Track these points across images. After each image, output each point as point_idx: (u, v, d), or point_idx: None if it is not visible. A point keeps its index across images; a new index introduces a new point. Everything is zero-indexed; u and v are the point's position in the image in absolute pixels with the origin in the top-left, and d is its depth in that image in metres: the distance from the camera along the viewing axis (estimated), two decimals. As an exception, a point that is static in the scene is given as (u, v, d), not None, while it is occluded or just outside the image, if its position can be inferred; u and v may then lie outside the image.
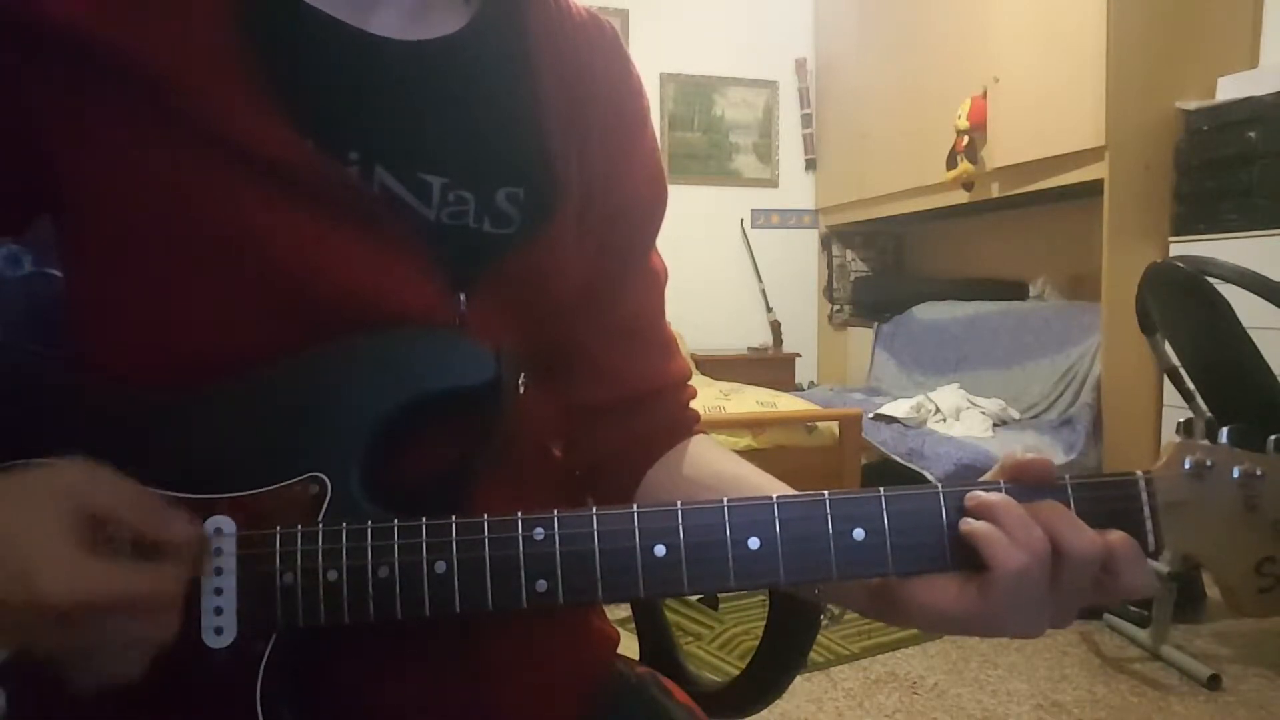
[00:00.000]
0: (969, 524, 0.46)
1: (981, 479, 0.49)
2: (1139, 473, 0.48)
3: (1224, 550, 0.48)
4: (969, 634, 0.49)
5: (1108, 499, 0.48)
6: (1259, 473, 0.47)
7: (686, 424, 0.69)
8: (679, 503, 0.48)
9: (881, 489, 0.48)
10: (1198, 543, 0.48)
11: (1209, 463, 0.47)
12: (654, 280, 0.70)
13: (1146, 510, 0.47)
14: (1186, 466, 0.48)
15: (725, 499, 0.48)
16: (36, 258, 0.69)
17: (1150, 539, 0.47)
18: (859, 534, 0.47)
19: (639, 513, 0.48)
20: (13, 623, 0.40)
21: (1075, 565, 0.45)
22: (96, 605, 0.40)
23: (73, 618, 0.40)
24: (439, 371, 0.52)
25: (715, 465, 0.66)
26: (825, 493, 0.48)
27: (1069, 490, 0.48)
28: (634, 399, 0.67)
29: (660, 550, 0.47)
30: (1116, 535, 0.45)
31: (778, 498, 0.48)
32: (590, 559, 0.48)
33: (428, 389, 0.52)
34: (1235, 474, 0.47)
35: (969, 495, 0.47)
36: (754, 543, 0.47)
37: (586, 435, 0.69)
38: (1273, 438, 0.47)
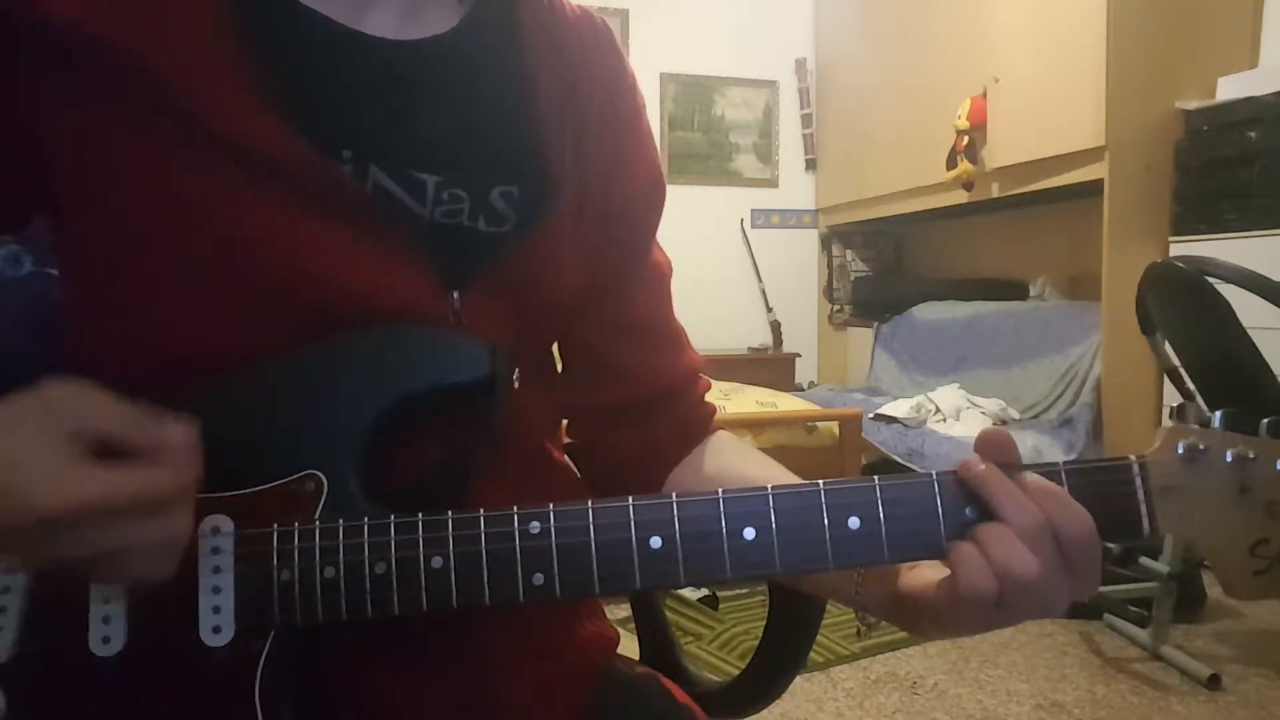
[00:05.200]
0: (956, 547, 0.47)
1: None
2: (1132, 457, 0.48)
3: (1218, 533, 0.48)
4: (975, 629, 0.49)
5: (1101, 483, 0.48)
6: (1252, 455, 0.47)
7: (702, 422, 0.69)
8: (674, 494, 0.49)
9: (876, 477, 0.48)
10: (1192, 526, 0.48)
11: (1202, 446, 0.47)
12: (658, 275, 0.70)
13: (1140, 494, 0.47)
14: (1180, 450, 0.48)
15: (720, 490, 0.48)
16: (36, 258, 0.69)
17: (1145, 523, 0.47)
18: (854, 523, 0.48)
19: (634, 505, 0.48)
20: (21, 539, 0.41)
21: (1071, 540, 0.45)
22: (93, 508, 0.41)
23: (74, 524, 0.41)
24: (433, 368, 0.52)
25: (743, 469, 0.66)
26: (820, 482, 0.48)
27: (1063, 475, 0.48)
28: (647, 398, 0.67)
29: (656, 542, 0.48)
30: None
31: (773, 488, 0.48)
32: (586, 552, 0.48)
33: (422, 386, 0.52)
34: (1228, 457, 0.47)
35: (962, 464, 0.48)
36: (749, 533, 0.48)
37: (602, 439, 0.69)
38: (1266, 421, 0.48)
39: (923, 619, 0.50)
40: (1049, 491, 0.46)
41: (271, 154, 0.50)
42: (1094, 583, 0.47)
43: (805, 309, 4.84)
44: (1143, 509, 0.47)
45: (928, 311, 4.12)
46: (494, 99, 0.59)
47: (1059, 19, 2.87)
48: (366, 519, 0.48)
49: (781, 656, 0.78)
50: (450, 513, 0.48)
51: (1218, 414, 0.48)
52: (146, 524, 0.43)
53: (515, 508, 0.48)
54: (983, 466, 0.47)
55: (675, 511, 0.48)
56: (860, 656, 2.12)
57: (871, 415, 3.22)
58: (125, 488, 0.42)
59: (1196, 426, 0.48)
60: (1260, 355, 1.63)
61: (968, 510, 0.47)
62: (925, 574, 0.50)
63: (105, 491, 0.41)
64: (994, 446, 0.48)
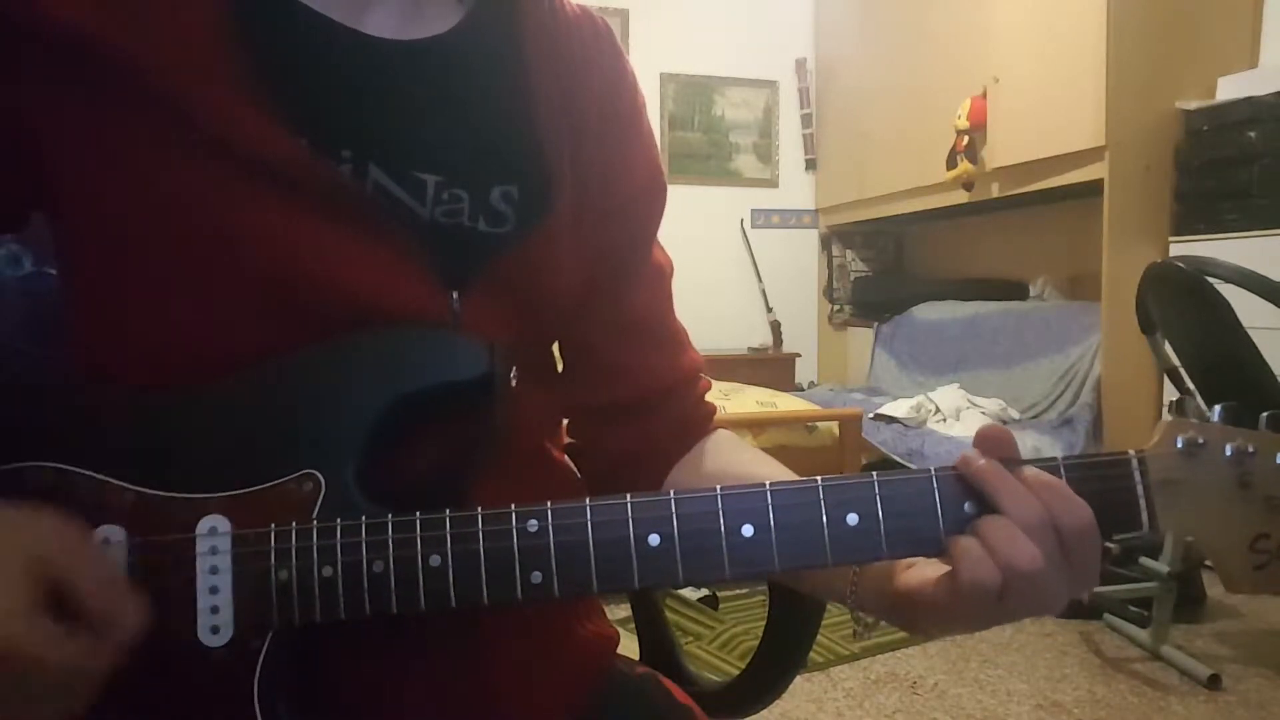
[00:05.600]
0: (956, 541, 0.47)
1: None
2: (1131, 451, 0.48)
3: (1218, 528, 0.48)
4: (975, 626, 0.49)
5: (1101, 478, 0.48)
6: (1251, 450, 0.47)
7: (702, 420, 0.69)
8: (672, 491, 0.49)
9: (875, 473, 0.48)
10: (1191, 521, 0.48)
11: (1201, 440, 0.47)
12: (659, 275, 0.70)
13: (1140, 489, 0.47)
14: (1179, 445, 0.48)
15: (719, 487, 0.48)
16: (36, 258, 0.69)
17: (1144, 517, 0.47)
18: (852, 519, 0.47)
19: (632, 503, 0.48)
20: None
21: (1071, 533, 0.45)
22: (21, 659, 0.40)
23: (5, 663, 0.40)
24: (431, 368, 0.52)
25: (743, 468, 0.66)
26: (818, 479, 0.48)
27: (1061, 470, 0.48)
28: (647, 397, 0.67)
29: (654, 540, 0.47)
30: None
31: (771, 484, 0.48)
32: (584, 550, 0.48)
33: (420, 385, 0.52)
34: (1228, 451, 0.47)
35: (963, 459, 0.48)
36: (748, 530, 0.48)
37: (602, 438, 0.69)
38: (1265, 415, 0.47)
39: (921, 617, 0.50)
40: (1049, 484, 0.46)
41: (271, 154, 0.50)
42: (1093, 579, 0.47)
43: (805, 309, 4.84)
44: (1142, 503, 0.47)
45: (928, 311, 4.12)
46: (494, 99, 0.59)
47: (1059, 19, 2.87)
48: (364, 518, 0.48)
49: (781, 656, 0.78)
50: (448, 511, 0.48)
51: (1217, 408, 0.48)
52: (54, 689, 0.42)
53: (513, 506, 0.48)
54: (982, 461, 0.47)
55: (673, 509, 0.48)
56: (860, 656, 2.11)
57: (871, 415, 3.22)
58: (59, 654, 0.41)
59: (1196, 421, 0.48)
60: (1260, 355, 1.63)
61: (966, 505, 0.47)
62: (923, 571, 0.50)
63: (40, 651, 0.41)
64: (993, 442, 0.48)
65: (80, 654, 0.42)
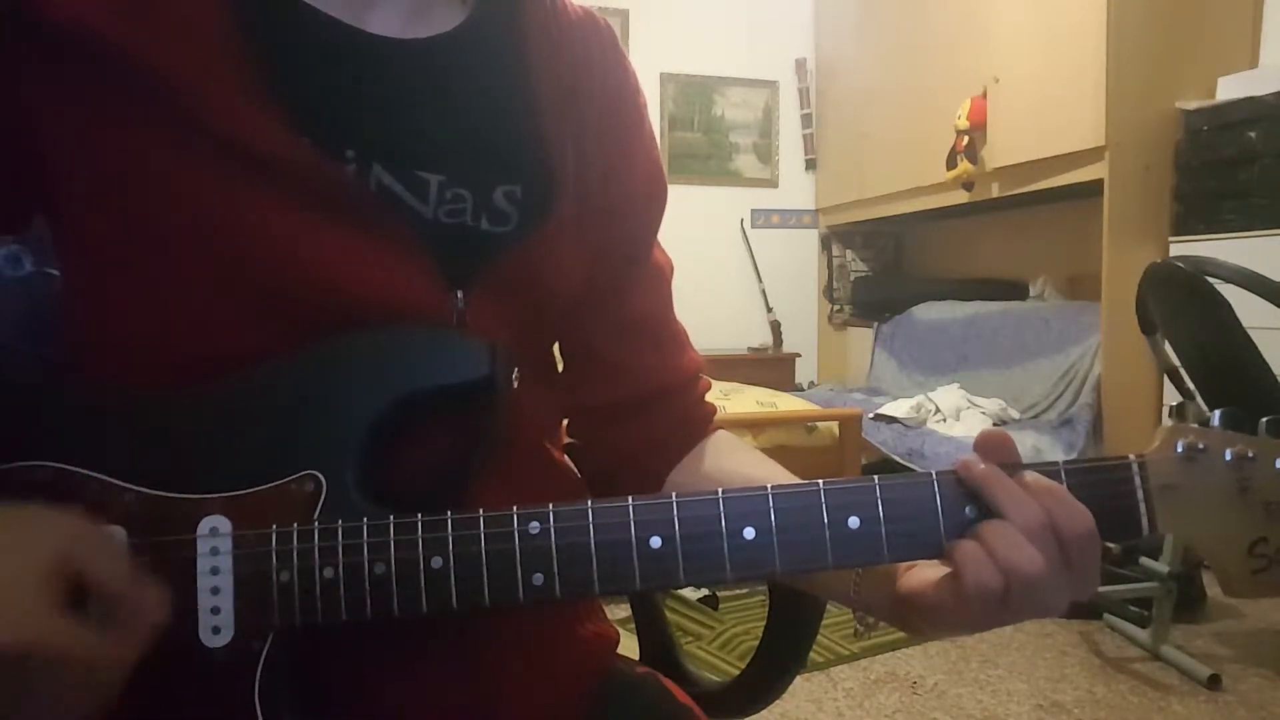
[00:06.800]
0: (957, 545, 0.47)
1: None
2: (1131, 456, 0.48)
3: (1217, 532, 0.48)
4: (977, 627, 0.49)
5: (1101, 482, 0.48)
6: (1251, 455, 0.47)
7: (702, 421, 0.69)
8: (674, 494, 0.49)
9: (876, 477, 0.48)
10: (1191, 525, 0.48)
11: (1201, 445, 0.48)
12: (659, 275, 0.70)
13: (1140, 493, 0.48)
14: (1179, 449, 0.48)
15: (720, 490, 0.48)
16: (36, 258, 0.69)
17: (1144, 522, 0.47)
18: (854, 522, 0.48)
19: (634, 505, 0.48)
20: None
21: (1071, 537, 0.45)
22: (47, 657, 0.40)
23: (17, 662, 0.40)
24: (433, 368, 0.52)
25: (743, 469, 0.66)
26: (820, 482, 0.48)
27: (1062, 474, 0.48)
28: (646, 397, 0.67)
29: (656, 542, 0.48)
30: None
31: (772, 487, 0.48)
32: (586, 552, 0.48)
33: (422, 385, 0.52)
34: (1228, 456, 0.47)
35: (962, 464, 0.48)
36: (749, 533, 0.48)
37: (602, 438, 0.69)
38: (1265, 420, 0.48)
39: (922, 619, 0.50)
40: (1049, 489, 0.46)
41: (274, 153, 0.50)
42: (1093, 582, 0.47)
43: (805, 309, 4.84)
44: (1142, 508, 0.48)
45: (928, 311, 4.11)
46: (497, 98, 0.59)
47: (1059, 19, 2.87)
48: (365, 519, 0.48)
49: (781, 656, 0.78)
50: (450, 513, 0.48)
51: (1217, 413, 0.48)
52: (81, 682, 0.42)
53: (515, 508, 0.48)
54: (983, 466, 0.47)
55: (675, 511, 0.48)
56: (860, 656, 2.11)
57: (871, 415, 3.22)
58: (85, 650, 0.41)
59: (1196, 426, 0.48)
60: (1260, 355, 1.63)
61: (967, 509, 0.47)
62: (924, 573, 0.50)
63: (66, 648, 0.41)
64: (993, 447, 0.48)
65: (105, 648, 0.42)
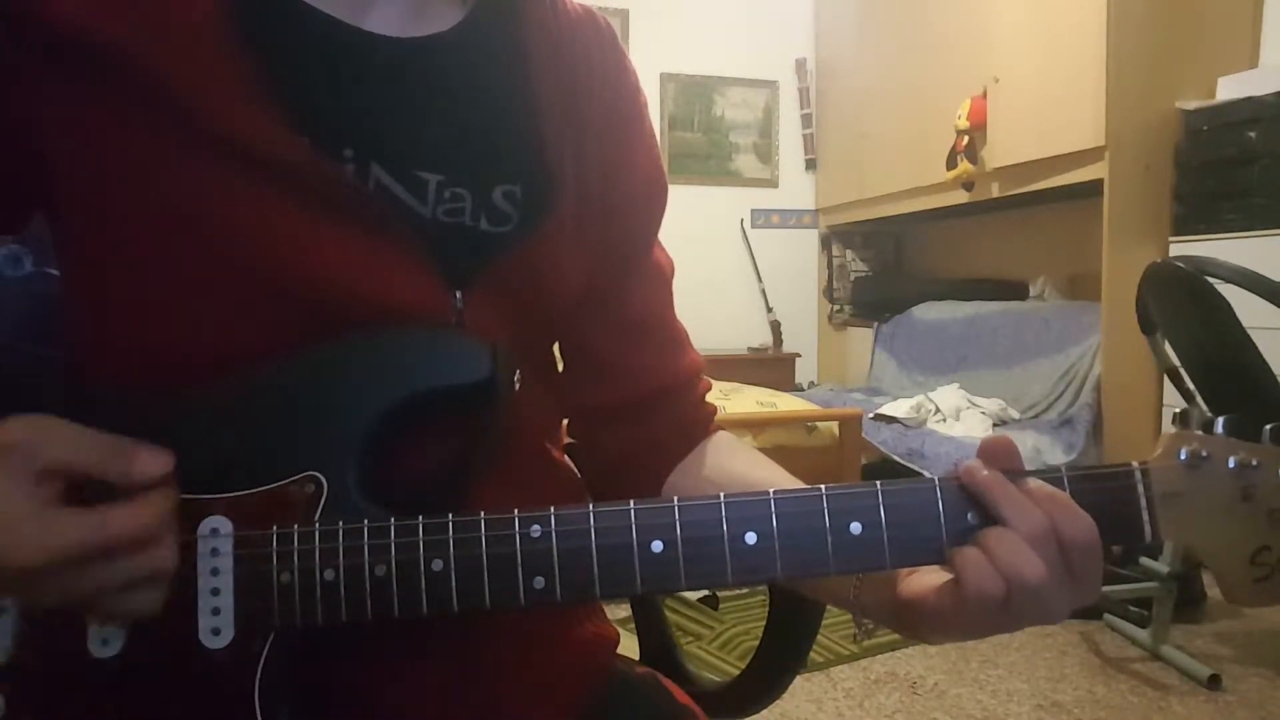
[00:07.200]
0: (958, 552, 0.46)
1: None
2: (1135, 463, 0.48)
3: (1220, 540, 0.47)
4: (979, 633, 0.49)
5: (1104, 489, 0.48)
6: (1254, 463, 0.47)
7: (702, 422, 0.69)
8: (675, 498, 0.48)
9: (879, 483, 0.48)
10: (1194, 533, 0.48)
11: (1204, 453, 0.47)
12: (659, 275, 0.70)
13: (1143, 501, 0.47)
14: (1182, 457, 0.48)
15: (722, 494, 0.48)
16: (36, 258, 0.69)
17: (1147, 529, 0.47)
18: (856, 528, 0.47)
19: (635, 509, 0.48)
20: (4, 588, 0.41)
21: (1074, 545, 0.45)
22: (73, 557, 0.41)
23: (55, 572, 0.41)
24: (434, 369, 0.52)
25: (743, 470, 0.66)
26: (822, 487, 0.48)
27: (1065, 482, 0.48)
28: (647, 398, 0.67)
29: (657, 546, 0.47)
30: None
31: (774, 492, 0.48)
32: (587, 555, 0.48)
33: (423, 387, 0.52)
34: (1231, 464, 0.47)
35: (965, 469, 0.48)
36: (751, 538, 0.47)
37: (602, 438, 0.69)
38: (1268, 427, 0.47)
39: (923, 624, 0.50)
40: (1052, 496, 0.46)
41: (273, 153, 0.50)
42: (1095, 590, 0.47)
43: (805, 309, 4.84)
44: (1145, 515, 0.47)
45: (927, 311, 4.11)
46: (496, 98, 0.59)
47: (1059, 19, 2.87)
48: (366, 521, 0.48)
49: (781, 656, 0.78)
50: (451, 515, 0.48)
51: (1220, 421, 0.48)
52: (129, 562, 0.43)
53: (516, 511, 0.48)
54: (986, 472, 0.47)
55: (677, 515, 0.48)
56: (860, 656, 2.11)
57: (871, 415, 3.22)
58: (102, 532, 0.42)
59: (1199, 433, 0.48)
60: (1260, 355, 1.63)
61: (970, 515, 0.47)
62: (925, 579, 0.50)
63: (82, 538, 0.41)
64: (997, 453, 0.48)
65: (122, 521, 0.43)
